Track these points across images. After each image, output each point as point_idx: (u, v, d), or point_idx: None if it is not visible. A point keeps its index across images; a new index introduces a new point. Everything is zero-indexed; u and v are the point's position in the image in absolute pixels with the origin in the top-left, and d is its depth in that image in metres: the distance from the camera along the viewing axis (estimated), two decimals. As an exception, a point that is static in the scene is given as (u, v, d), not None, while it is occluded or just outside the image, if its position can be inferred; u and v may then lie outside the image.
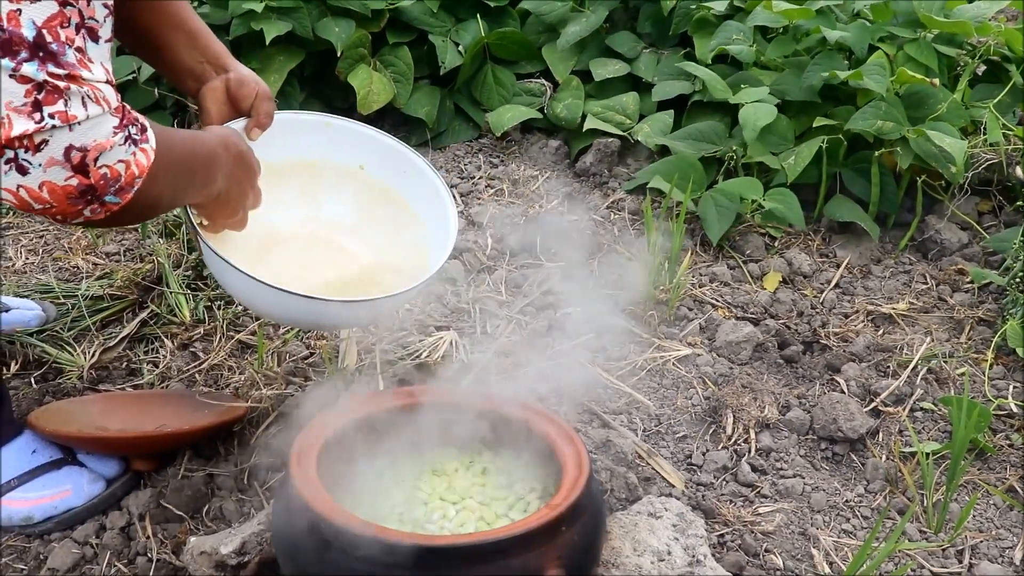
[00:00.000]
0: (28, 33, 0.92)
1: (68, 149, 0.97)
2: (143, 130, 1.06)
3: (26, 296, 1.89)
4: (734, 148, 2.26)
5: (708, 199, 2.16)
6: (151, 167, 1.06)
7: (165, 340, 1.79)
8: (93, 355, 1.74)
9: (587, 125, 2.42)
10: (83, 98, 0.97)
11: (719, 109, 2.36)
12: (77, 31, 0.96)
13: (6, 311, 1.77)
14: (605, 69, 2.58)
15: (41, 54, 0.94)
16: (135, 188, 1.05)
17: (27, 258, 2.09)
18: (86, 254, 2.08)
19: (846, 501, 1.52)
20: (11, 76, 0.92)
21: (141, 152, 1.05)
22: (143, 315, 1.84)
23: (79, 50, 0.97)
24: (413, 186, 1.56)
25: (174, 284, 1.89)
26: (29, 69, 0.93)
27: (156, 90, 2.50)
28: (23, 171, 0.96)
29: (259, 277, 1.27)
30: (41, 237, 2.18)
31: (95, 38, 1.00)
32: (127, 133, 1.03)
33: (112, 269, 1.99)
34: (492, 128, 2.54)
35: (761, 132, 2.26)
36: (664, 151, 2.36)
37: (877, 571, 1.36)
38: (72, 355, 1.73)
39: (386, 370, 1.64)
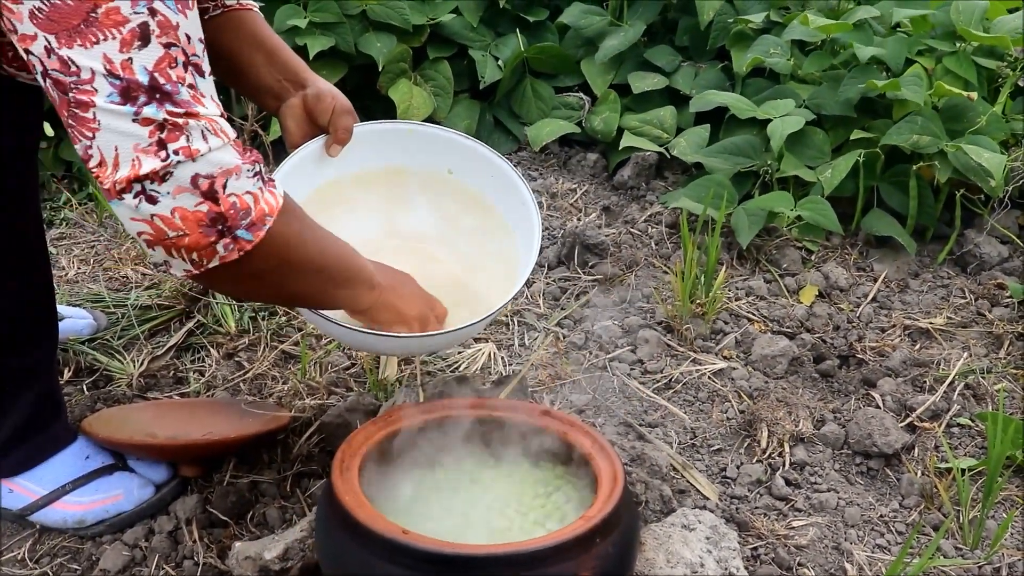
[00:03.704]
0: (143, 78, 0.97)
1: (195, 178, 1.01)
2: (270, 180, 1.09)
3: (78, 305, 1.95)
4: (769, 162, 2.27)
5: (740, 211, 2.18)
6: (282, 211, 1.08)
7: (211, 349, 1.84)
8: (142, 363, 1.79)
9: (624, 143, 2.45)
10: (202, 132, 1.01)
11: (756, 122, 2.37)
12: (185, 69, 1.00)
13: (60, 319, 1.82)
14: (643, 82, 2.61)
15: (158, 96, 0.98)
16: (267, 227, 1.06)
17: (79, 268, 2.15)
18: (135, 264, 2.14)
19: (880, 516, 1.53)
20: (134, 120, 0.97)
21: (269, 193, 1.07)
22: (190, 325, 1.90)
23: (191, 87, 1.01)
24: (500, 192, 1.53)
25: (220, 295, 1.94)
26: (149, 111, 0.98)
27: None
28: (153, 200, 1.00)
29: (355, 327, 1.30)
30: (92, 247, 2.24)
31: (201, 73, 1.03)
32: (255, 168, 1.06)
33: (160, 279, 2.05)
34: (531, 142, 2.57)
35: (797, 145, 2.28)
36: (701, 165, 2.38)
37: (911, 586, 1.36)
38: (122, 363, 1.78)
39: (426, 381, 1.67)
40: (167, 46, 0.99)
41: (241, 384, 1.76)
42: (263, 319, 1.91)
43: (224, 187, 1.03)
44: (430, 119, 2.55)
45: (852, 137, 2.25)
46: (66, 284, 2.08)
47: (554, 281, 2.09)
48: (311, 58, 2.43)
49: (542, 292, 2.04)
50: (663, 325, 1.94)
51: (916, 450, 1.65)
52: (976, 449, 1.66)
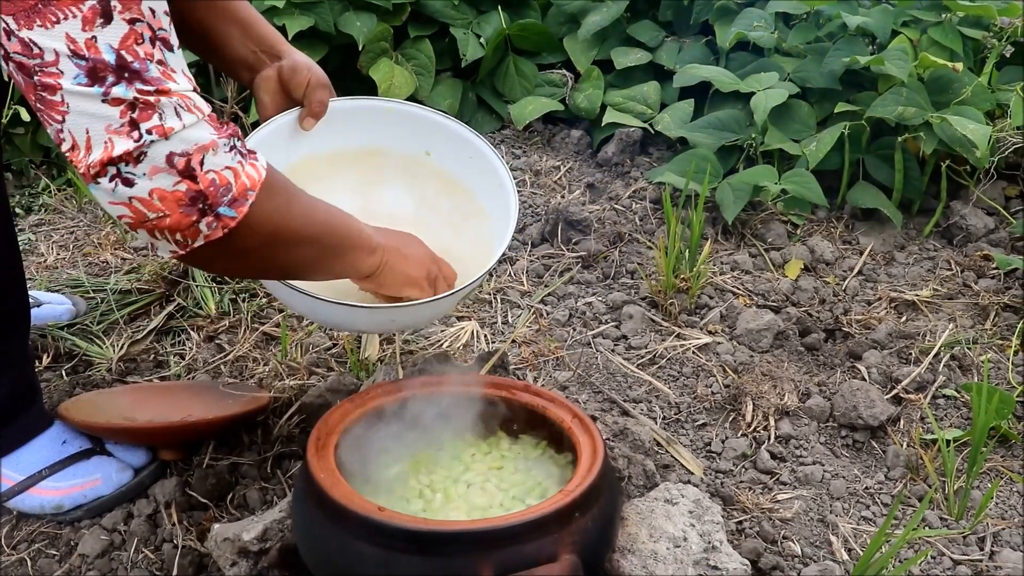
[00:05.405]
0: (109, 57, 0.94)
1: (170, 156, 0.98)
2: (250, 152, 1.06)
3: (57, 291, 1.93)
4: (753, 136, 2.25)
5: (725, 186, 2.16)
6: (265, 184, 1.05)
7: (191, 332, 1.82)
8: (121, 348, 1.77)
9: (607, 119, 2.43)
10: (175, 109, 0.98)
11: (740, 97, 2.35)
12: (153, 44, 0.97)
13: (38, 306, 1.80)
14: (627, 58, 2.59)
15: (126, 75, 0.95)
16: (249, 202, 1.04)
17: (58, 254, 2.13)
18: (115, 249, 2.12)
19: (866, 488, 1.52)
20: (103, 101, 0.94)
21: (251, 166, 1.05)
22: (170, 308, 1.88)
23: (160, 63, 0.98)
24: (478, 174, 1.50)
25: (200, 278, 1.92)
26: (119, 91, 0.95)
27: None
28: (129, 183, 0.97)
29: (317, 294, 1.25)
30: (72, 233, 2.22)
31: (170, 47, 1.00)
32: (231, 143, 1.03)
33: (140, 264, 2.03)
34: (514, 120, 2.55)
35: (781, 119, 2.26)
36: (686, 140, 2.36)
37: (895, 557, 1.35)
38: (101, 348, 1.77)
39: (407, 360, 1.66)
40: (131, 22, 0.96)
41: (222, 366, 1.74)
42: (243, 301, 1.89)
43: (201, 164, 1.00)
44: (412, 98, 2.52)
45: (837, 110, 2.24)
46: (45, 270, 2.06)
47: (537, 258, 2.07)
48: (290, 39, 2.39)
49: (525, 270, 2.03)
50: (647, 300, 1.93)
51: (901, 422, 1.64)
52: (961, 420, 1.65)
